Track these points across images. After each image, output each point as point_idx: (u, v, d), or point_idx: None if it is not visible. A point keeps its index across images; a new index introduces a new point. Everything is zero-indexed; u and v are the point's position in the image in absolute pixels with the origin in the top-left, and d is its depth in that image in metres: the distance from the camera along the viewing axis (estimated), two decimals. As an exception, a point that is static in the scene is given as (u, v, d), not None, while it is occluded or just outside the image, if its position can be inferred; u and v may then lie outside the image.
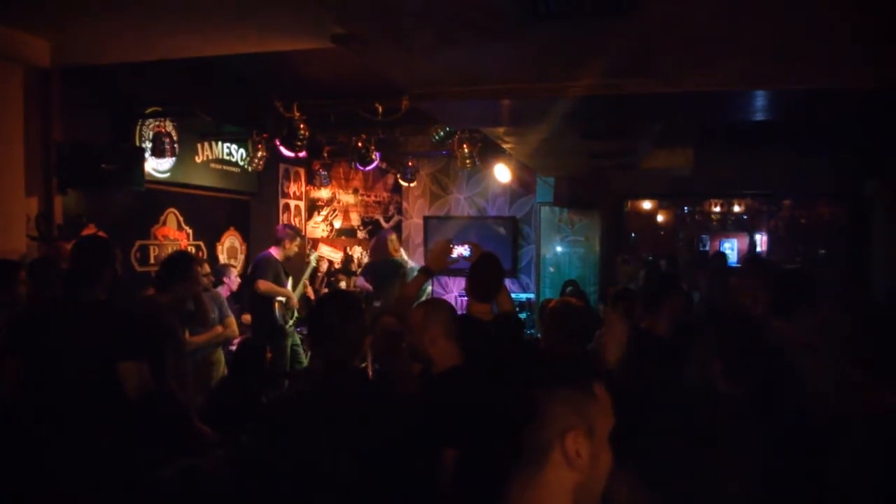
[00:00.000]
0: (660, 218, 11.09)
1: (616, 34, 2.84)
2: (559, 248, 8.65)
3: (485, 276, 3.56)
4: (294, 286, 6.63)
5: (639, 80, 3.37)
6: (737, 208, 10.95)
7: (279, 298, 6.31)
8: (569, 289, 6.66)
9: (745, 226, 11.00)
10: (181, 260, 4.09)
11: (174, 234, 6.48)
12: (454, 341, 2.65)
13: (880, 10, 2.81)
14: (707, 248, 11.17)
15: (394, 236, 7.28)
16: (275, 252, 6.38)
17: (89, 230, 5.21)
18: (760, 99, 4.84)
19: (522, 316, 7.25)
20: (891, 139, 6.88)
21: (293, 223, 8.11)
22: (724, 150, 7.66)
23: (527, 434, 1.29)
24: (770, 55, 3.38)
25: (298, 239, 6.61)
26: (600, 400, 1.31)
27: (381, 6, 2.73)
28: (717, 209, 11.02)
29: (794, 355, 2.68)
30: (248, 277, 6.53)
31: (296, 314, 6.58)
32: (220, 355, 5.25)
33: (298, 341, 6.69)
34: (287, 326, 6.42)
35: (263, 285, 6.17)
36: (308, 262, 7.13)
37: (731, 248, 11.05)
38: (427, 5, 2.64)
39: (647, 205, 10.74)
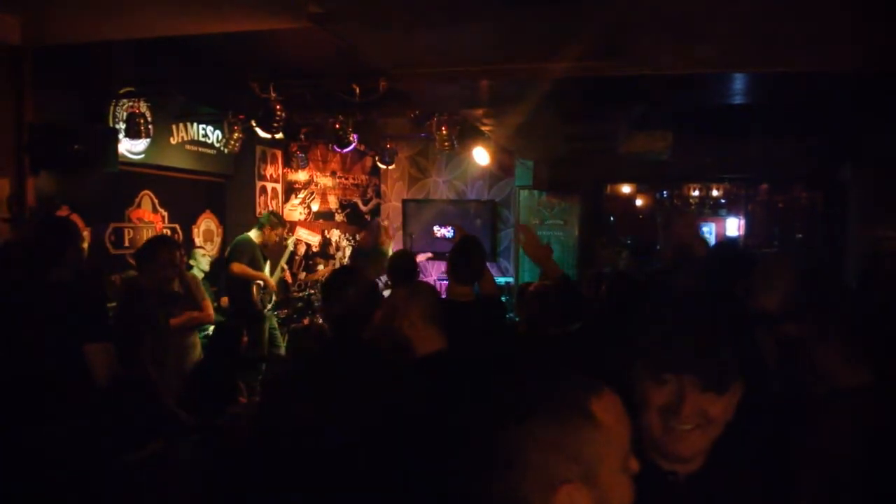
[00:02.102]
0: (638, 202, 11.16)
1: (592, 15, 2.83)
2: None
3: (466, 258, 3.57)
4: (272, 270, 6.61)
5: (616, 61, 3.37)
6: (715, 192, 11.05)
7: (258, 282, 6.31)
8: (547, 272, 6.68)
9: (722, 210, 11.12)
10: (152, 243, 4.10)
11: (149, 216, 6.39)
12: (435, 325, 2.65)
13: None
14: (685, 231, 11.26)
15: (385, 224, 7.30)
16: (254, 235, 6.38)
17: (62, 212, 5.12)
18: (739, 81, 4.87)
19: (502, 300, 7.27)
20: (866, 124, 6.97)
21: (270, 206, 8.04)
22: (703, 134, 7.70)
23: (497, 488, 0.91)
24: (748, 36, 3.40)
25: (280, 228, 6.62)
26: (602, 425, 0.91)
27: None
28: (696, 193, 11.11)
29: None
30: (225, 260, 6.49)
31: (273, 298, 6.56)
32: (196, 339, 5.21)
33: (276, 325, 6.67)
34: (265, 310, 6.41)
35: (237, 268, 6.18)
36: (286, 247, 7.10)
37: (710, 232, 11.16)
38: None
39: (625, 188, 10.79)
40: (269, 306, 6.51)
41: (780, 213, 10.64)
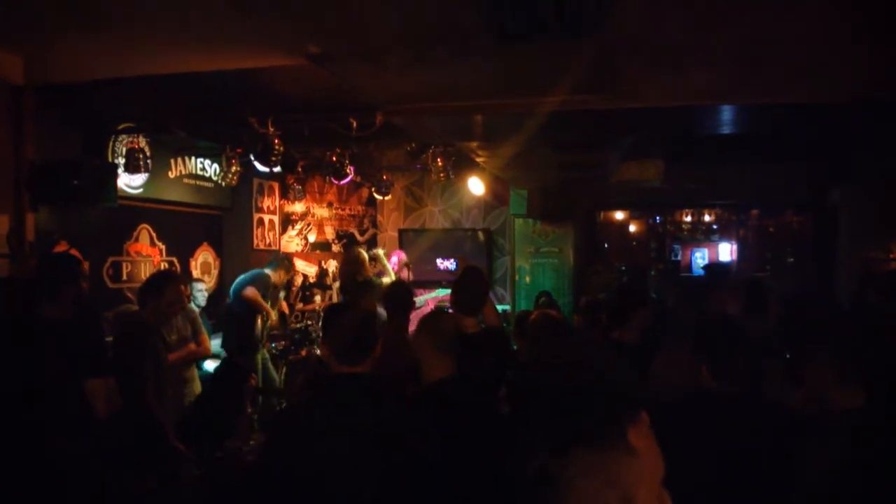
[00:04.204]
0: (632, 228, 11.26)
1: (580, 53, 2.92)
2: (533, 260, 8.74)
3: (470, 289, 3.60)
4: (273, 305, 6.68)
5: (605, 96, 3.47)
6: (707, 218, 11.16)
7: (262, 313, 6.37)
8: (542, 300, 6.72)
9: (715, 235, 11.22)
10: (156, 278, 4.12)
11: (147, 250, 6.43)
12: (444, 354, 2.70)
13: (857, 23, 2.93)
14: (679, 257, 11.36)
15: (365, 255, 7.20)
16: (270, 274, 6.54)
17: (61, 247, 5.15)
18: (727, 111, 4.98)
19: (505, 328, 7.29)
20: (854, 149, 7.10)
21: (267, 238, 8.11)
22: (693, 161, 7.82)
23: None
24: (737, 70, 3.50)
25: (291, 272, 6.94)
26: (638, 453, 0.97)
27: (354, 27, 2.78)
28: (688, 219, 11.22)
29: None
30: (236, 286, 6.51)
31: (267, 333, 6.60)
32: (194, 372, 5.22)
33: (269, 357, 6.67)
34: (261, 342, 6.43)
35: (251, 292, 6.25)
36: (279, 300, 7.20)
37: (703, 258, 11.26)
38: (400, 26, 2.70)
39: (619, 215, 10.89)
40: (263, 339, 6.54)
41: (772, 237, 10.75)
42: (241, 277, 6.55)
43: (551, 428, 0.98)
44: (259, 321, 6.36)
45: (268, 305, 6.47)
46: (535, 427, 0.98)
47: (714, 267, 9.68)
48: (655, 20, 2.74)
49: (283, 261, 6.80)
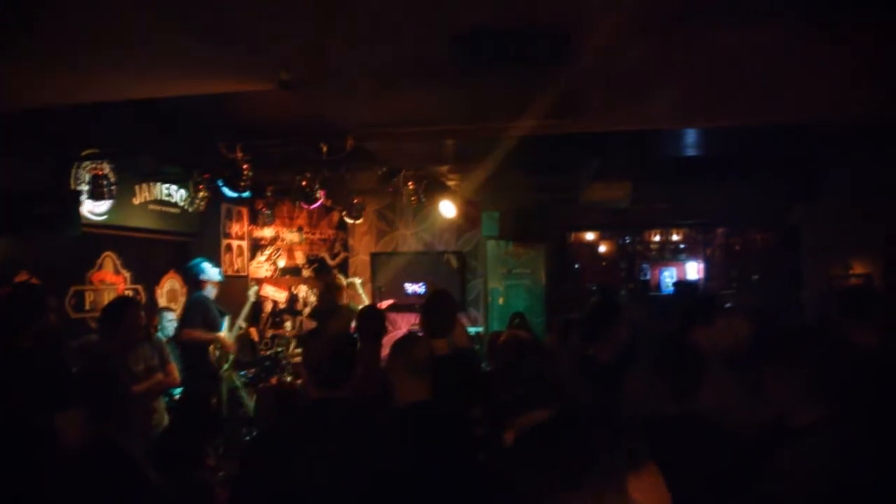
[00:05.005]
0: (602, 248, 11.38)
1: (545, 82, 2.97)
2: (506, 281, 8.76)
3: (438, 311, 3.61)
4: (231, 326, 6.44)
5: (571, 121, 3.52)
6: (675, 237, 11.34)
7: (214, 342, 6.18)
8: (516, 321, 6.75)
9: (682, 254, 11.41)
10: (115, 305, 4.03)
11: (111, 278, 6.29)
12: (418, 378, 2.70)
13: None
14: (648, 276, 11.50)
15: (343, 281, 7.12)
16: (207, 292, 6.28)
17: (22, 277, 5.02)
18: (691, 135, 5.10)
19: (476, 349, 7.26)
20: (814, 168, 7.31)
21: (235, 263, 7.99)
22: (660, 182, 7.96)
23: None
24: (697, 96, 3.59)
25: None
26: (643, 474, 0.92)
27: (324, 57, 2.79)
28: (657, 239, 11.39)
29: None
30: (179, 324, 6.34)
31: (231, 358, 6.39)
32: (162, 403, 5.09)
33: (239, 384, 6.51)
34: (222, 371, 6.25)
35: (186, 335, 6.02)
36: (248, 298, 6.92)
37: (671, 276, 11.41)
38: (368, 57, 2.71)
39: (589, 236, 11.02)
40: (227, 366, 6.35)
41: (738, 255, 10.95)
42: (181, 311, 6.34)
43: (545, 470, 0.93)
44: (212, 348, 6.18)
45: (216, 330, 6.24)
46: (529, 469, 0.94)
47: (682, 285, 9.88)
48: (617, 51, 2.79)
49: (196, 268, 6.38)
